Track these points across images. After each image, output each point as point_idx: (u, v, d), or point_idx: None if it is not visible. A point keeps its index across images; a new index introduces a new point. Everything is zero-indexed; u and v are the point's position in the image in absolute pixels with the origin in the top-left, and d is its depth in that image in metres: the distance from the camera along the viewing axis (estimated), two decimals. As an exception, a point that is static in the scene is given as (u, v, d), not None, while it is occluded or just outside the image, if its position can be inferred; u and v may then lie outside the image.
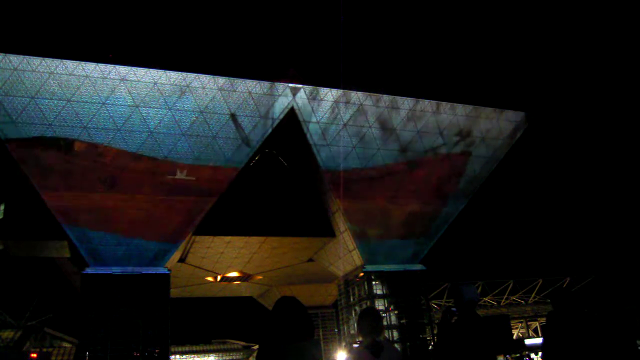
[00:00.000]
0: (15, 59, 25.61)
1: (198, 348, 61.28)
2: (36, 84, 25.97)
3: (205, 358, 60.91)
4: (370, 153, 32.29)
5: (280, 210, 34.48)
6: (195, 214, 29.80)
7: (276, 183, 34.96)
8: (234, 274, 43.23)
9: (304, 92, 30.61)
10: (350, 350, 33.28)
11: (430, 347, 33.28)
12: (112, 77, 27.09)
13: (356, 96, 31.57)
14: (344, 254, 35.91)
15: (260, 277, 45.12)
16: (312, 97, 30.84)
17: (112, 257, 28.52)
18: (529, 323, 57.08)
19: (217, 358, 61.09)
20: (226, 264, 40.23)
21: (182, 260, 37.42)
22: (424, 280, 35.91)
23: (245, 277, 44.47)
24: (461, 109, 33.80)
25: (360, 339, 5.10)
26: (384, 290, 34.82)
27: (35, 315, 45.27)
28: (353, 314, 36.70)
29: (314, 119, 30.98)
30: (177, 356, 58.15)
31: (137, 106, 27.61)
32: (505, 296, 58.24)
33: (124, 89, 27.32)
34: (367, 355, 4.81)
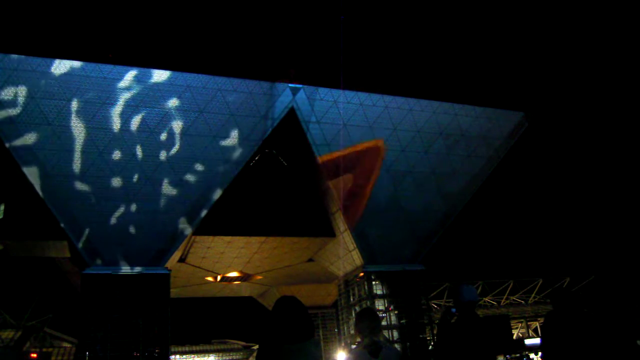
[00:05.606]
0: (15, 59, 25.60)
1: (198, 348, 61.16)
2: (36, 84, 25.96)
3: (205, 358, 60.80)
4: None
5: (280, 210, 34.46)
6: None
7: (276, 183, 34.95)
8: (234, 274, 43.20)
9: (304, 92, 30.62)
10: (349, 350, 33.18)
11: (430, 347, 33.27)
12: (112, 77, 27.07)
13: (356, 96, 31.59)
14: (344, 254, 35.88)
15: (260, 277, 45.10)
16: (312, 97, 30.84)
17: (112, 257, 28.50)
18: (529, 323, 56.94)
19: (217, 358, 60.99)
20: (226, 264, 40.21)
21: (182, 260, 37.40)
22: (424, 280, 35.87)
23: (245, 277, 44.45)
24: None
25: (359, 339, 5.10)
26: (384, 290, 34.79)
27: (35, 315, 45.14)
28: (353, 314, 36.64)
29: (314, 119, 30.99)
30: (177, 356, 58.04)
31: (137, 106, 27.59)
32: (505, 296, 58.11)
33: (125, 89, 27.29)
34: (365, 356, 4.80)
